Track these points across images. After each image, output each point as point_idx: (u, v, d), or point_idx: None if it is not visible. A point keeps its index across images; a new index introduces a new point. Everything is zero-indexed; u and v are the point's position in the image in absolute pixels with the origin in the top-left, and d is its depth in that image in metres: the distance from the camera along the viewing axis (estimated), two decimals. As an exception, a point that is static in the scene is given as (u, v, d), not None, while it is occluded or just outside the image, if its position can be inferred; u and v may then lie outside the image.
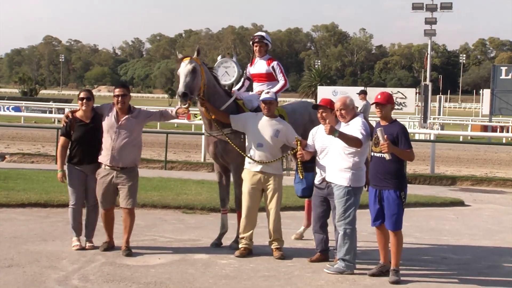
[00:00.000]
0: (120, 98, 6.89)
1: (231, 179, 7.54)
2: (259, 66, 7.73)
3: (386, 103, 6.27)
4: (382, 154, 6.10)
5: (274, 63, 7.66)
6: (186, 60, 6.95)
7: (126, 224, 6.97)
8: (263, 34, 7.84)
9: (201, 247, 7.30)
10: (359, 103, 14.49)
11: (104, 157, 6.96)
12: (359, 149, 6.33)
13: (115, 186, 6.95)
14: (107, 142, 6.94)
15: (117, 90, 6.95)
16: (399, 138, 6.11)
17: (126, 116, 6.95)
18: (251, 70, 7.83)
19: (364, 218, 7.49)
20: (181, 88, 6.75)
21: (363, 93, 16.28)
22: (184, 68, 6.88)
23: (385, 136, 6.04)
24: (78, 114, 7.08)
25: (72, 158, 7.04)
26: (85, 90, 7.24)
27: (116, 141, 6.89)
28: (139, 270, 6.29)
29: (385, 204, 6.18)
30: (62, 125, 7.15)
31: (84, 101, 6.99)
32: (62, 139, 7.12)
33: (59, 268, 6.24)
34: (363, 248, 7.35)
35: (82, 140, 7.00)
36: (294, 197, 6.98)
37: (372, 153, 6.29)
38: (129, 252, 6.85)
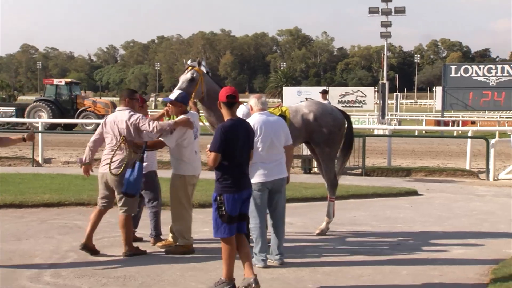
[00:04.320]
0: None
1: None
2: None
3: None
4: None
5: None
6: (189, 69, 7.24)
7: None
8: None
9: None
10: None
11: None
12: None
13: None
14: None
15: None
16: None
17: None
18: None
19: (323, 210, 7.52)
20: (174, 91, 6.91)
21: (325, 93, 16.37)
22: (183, 76, 7.23)
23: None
24: None
25: None
26: None
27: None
28: (110, 264, 6.21)
29: None
30: None
31: None
32: None
33: (32, 266, 6.12)
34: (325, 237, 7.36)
35: None
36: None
37: None
38: None
